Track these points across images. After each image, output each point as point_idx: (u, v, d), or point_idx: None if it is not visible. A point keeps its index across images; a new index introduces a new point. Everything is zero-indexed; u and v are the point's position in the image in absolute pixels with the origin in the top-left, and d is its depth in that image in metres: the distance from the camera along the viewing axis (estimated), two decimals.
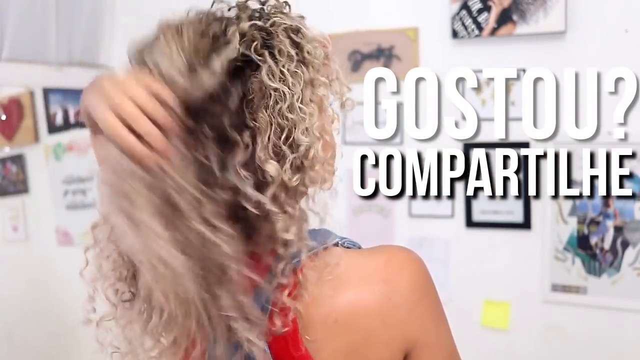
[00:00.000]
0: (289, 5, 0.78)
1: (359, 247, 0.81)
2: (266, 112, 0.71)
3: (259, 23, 0.73)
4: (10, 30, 1.94)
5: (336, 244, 0.78)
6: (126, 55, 0.74)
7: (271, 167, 0.70)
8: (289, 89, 0.72)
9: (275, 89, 0.71)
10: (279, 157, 0.71)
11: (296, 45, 0.75)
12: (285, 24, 0.75)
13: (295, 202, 0.73)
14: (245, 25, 0.73)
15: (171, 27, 0.72)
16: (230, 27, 0.72)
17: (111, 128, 0.67)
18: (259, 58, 0.71)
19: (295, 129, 0.72)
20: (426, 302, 0.78)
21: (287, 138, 0.72)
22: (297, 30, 0.76)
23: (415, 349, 0.78)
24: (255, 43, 0.72)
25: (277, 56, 0.72)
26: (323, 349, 0.74)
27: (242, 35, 0.72)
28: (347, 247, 0.79)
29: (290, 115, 0.71)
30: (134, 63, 0.73)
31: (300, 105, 0.72)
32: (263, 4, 0.77)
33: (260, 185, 0.71)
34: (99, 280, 0.77)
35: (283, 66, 0.72)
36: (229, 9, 0.76)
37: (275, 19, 0.75)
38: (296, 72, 0.73)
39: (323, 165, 0.74)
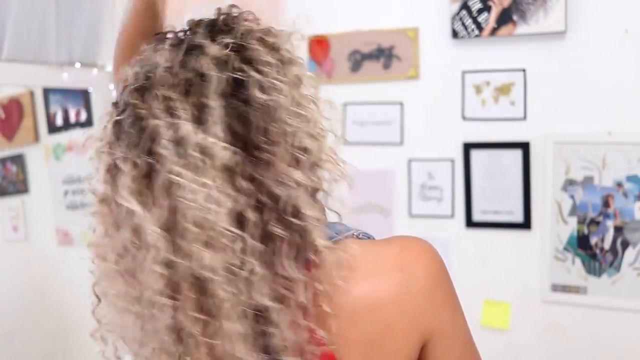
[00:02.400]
0: (252, 13, 0.76)
1: (373, 239, 0.81)
2: (273, 124, 0.69)
3: (227, 39, 0.71)
4: (10, 30, 1.94)
5: (351, 236, 0.78)
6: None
7: (297, 175, 0.69)
8: (284, 96, 0.70)
9: (271, 100, 0.69)
10: (297, 164, 0.70)
11: (273, 47, 0.73)
12: (252, 29, 0.73)
13: (319, 206, 0.72)
14: (213, 48, 0.70)
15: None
16: (199, 60, 0.69)
17: None
18: (242, 74, 0.69)
19: (302, 133, 0.71)
20: (442, 291, 0.78)
21: (297, 143, 0.70)
22: (268, 32, 0.74)
23: (432, 339, 0.77)
24: (232, 61, 0.70)
25: (260, 67, 0.70)
26: (341, 340, 0.73)
27: (215, 60, 0.69)
28: (362, 239, 0.79)
29: (292, 122, 0.70)
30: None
31: (298, 109, 0.71)
32: (220, 16, 0.74)
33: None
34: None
35: (268, 75, 0.70)
36: (183, 32, 0.74)
37: (240, 28, 0.73)
38: (283, 77, 0.71)
39: (335, 161, 0.73)
